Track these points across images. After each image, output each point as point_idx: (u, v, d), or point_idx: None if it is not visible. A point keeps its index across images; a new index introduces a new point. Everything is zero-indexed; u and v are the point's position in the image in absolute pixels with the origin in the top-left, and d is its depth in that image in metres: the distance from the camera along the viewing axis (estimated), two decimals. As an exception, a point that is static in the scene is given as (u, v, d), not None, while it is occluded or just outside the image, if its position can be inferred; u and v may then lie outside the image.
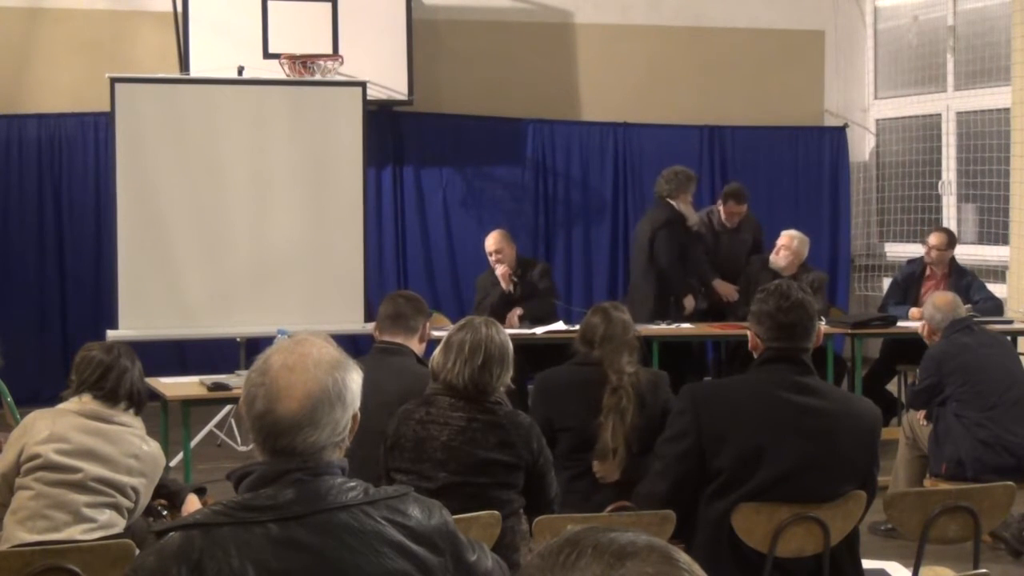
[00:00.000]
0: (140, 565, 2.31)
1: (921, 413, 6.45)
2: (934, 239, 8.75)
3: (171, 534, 2.25)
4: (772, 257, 8.84)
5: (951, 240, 8.80)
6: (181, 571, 2.19)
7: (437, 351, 4.26)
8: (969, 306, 7.58)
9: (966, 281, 8.59)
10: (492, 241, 8.66)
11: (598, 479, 4.82)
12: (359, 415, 2.44)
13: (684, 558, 1.32)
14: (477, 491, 4.04)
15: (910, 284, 8.82)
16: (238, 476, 2.35)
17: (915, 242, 10.81)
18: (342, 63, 9.51)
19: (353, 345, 8.18)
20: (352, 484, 2.33)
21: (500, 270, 8.54)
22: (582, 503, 4.69)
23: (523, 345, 7.80)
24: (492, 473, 4.10)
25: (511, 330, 7.50)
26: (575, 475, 4.84)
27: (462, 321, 4.36)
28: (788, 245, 8.81)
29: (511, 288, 8.55)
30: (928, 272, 8.76)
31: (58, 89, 9.90)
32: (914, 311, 8.40)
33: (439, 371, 4.20)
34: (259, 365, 2.38)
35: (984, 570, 3.66)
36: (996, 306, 8.58)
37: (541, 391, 5.08)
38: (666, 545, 1.33)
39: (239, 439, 8.49)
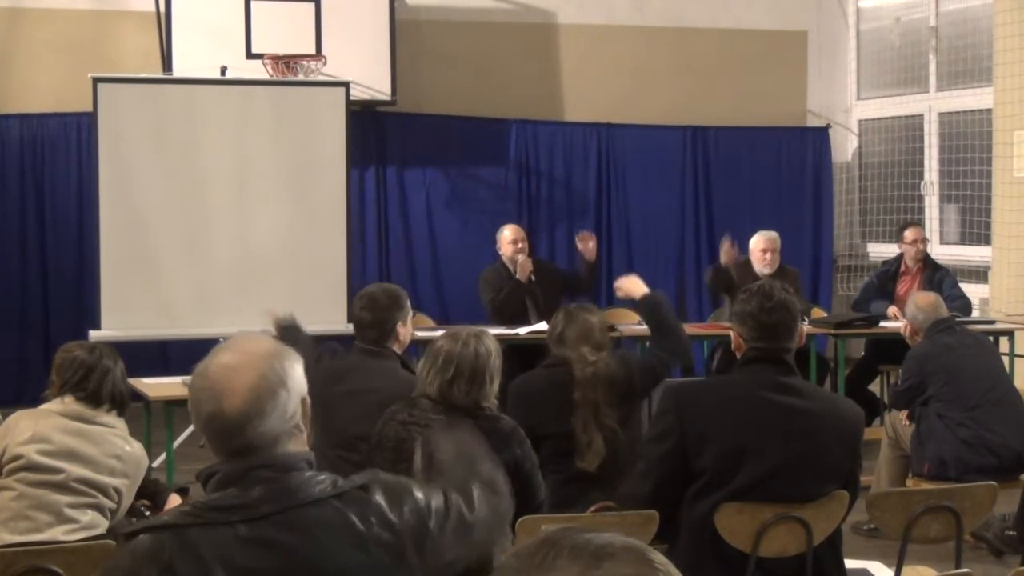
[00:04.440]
0: (113, 567, 2.31)
1: (903, 413, 6.46)
2: (912, 233, 8.72)
3: (140, 536, 2.25)
4: (757, 263, 8.55)
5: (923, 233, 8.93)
6: (152, 573, 2.19)
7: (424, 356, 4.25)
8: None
9: (939, 275, 8.59)
10: (514, 231, 8.61)
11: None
12: (308, 399, 2.42)
13: (660, 559, 1.33)
14: None
15: (886, 280, 8.81)
16: (205, 475, 2.35)
17: (897, 242, 10.84)
18: (325, 63, 9.50)
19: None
20: (321, 477, 2.33)
21: (522, 259, 8.44)
22: (568, 507, 4.68)
23: (507, 346, 7.79)
24: None
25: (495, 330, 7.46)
26: (561, 480, 4.82)
27: (453, 329, 4.32)
28: (774, 248, 8.59)
29: (529, 279, 8.47)
30: (903, 268, 8.77)
31: (40, 89, 9.85)
32: (892, 309, 8.41)
33: (418, 378, 4.20)
34: (199, 370, 2.37)
35: (966, 570, 3.69)
36: (964, 305, 8.47)
37: (517, 398, 5.01)
38: (643, 546, 1.34)
39: (222, 440, 8.45)
